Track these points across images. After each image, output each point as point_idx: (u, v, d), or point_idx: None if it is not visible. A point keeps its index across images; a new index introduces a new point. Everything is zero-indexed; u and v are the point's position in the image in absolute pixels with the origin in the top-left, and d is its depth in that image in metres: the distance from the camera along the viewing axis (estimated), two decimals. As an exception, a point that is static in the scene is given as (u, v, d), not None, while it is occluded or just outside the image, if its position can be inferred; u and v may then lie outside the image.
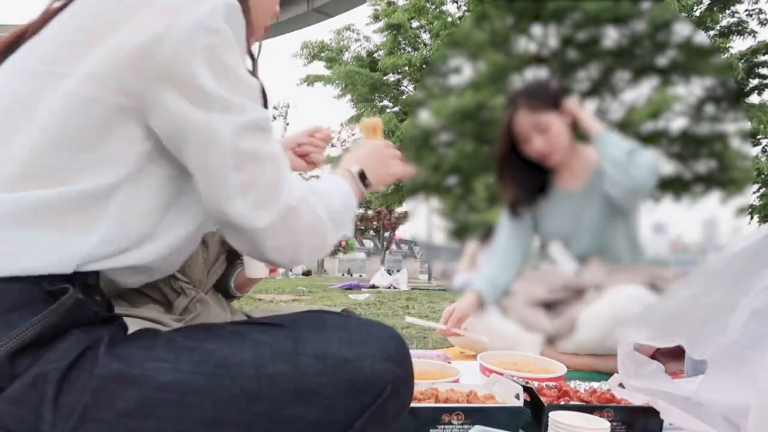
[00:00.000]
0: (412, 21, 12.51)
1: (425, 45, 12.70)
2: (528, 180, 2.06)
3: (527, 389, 1.16)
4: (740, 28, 10.39)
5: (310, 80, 13.50)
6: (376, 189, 1.03)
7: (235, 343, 0.67)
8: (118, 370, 0.62)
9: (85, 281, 0.68)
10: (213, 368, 0.64)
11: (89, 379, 0.61)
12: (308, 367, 0.66)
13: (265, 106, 1.99)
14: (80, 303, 0.66)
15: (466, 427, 1.03)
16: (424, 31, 12.80)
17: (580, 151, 2.02)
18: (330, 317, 0.74)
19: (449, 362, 1.74)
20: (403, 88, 13.17)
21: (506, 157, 2.05)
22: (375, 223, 25.53)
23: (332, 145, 21.10)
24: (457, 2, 12.48)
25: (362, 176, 0.99)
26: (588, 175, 2.01)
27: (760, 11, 10.61)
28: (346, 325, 0.72)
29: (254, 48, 0.88)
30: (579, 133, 2.00)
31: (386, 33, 12.78)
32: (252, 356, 0.66)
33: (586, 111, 1.95)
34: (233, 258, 1.75)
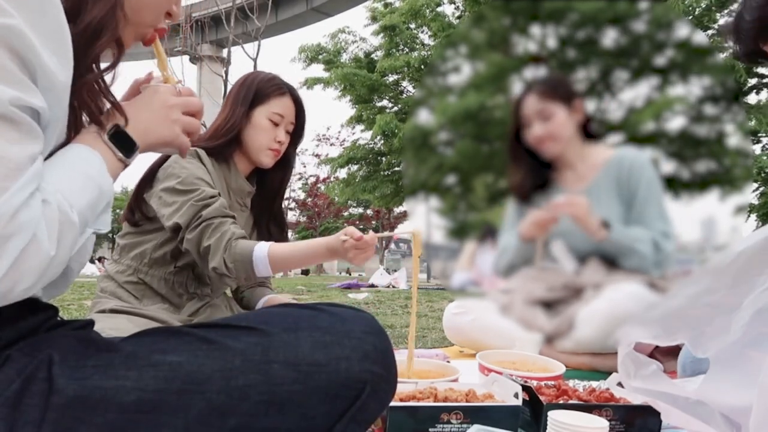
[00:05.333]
0: (409, 23, 12.51)
1: (423, 45, 12.69)
2: (530, 170, 2.06)
3: (526, 388, 1.15)
4: (739, 27, 10.39)
5: (310, 83, 13.50)
6: (144, 151, 0.75)
7: (202, 353, 0.64)
8: (76, 396, 0.58)
9: None
10: (181, 384, 0.61)
11: (47, 409, 0.57)
12: (280, 376, 0.64)
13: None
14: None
15: (465, 426, 1.03)
16: (422, 32, 12.79)
17: (586, 153, 2.02)
18: (303, 314, 0.70)
19: (448, 361, 1.74)
20: (402, 88, 13.17)
21: (512, 141, 2.06)
22: (374, 222, 25.52)
23: (331, 144, 21.10)
24: (454, 2, 12.47)
25: (120, 136, 0.70)
26: (592, 178, 2.00)
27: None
28: (320, 323, 0.68)
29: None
30: (587, 135, 2.00)
31: (382, 35, 12.78)
32: (221, 368, 0.63)
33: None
34: None
